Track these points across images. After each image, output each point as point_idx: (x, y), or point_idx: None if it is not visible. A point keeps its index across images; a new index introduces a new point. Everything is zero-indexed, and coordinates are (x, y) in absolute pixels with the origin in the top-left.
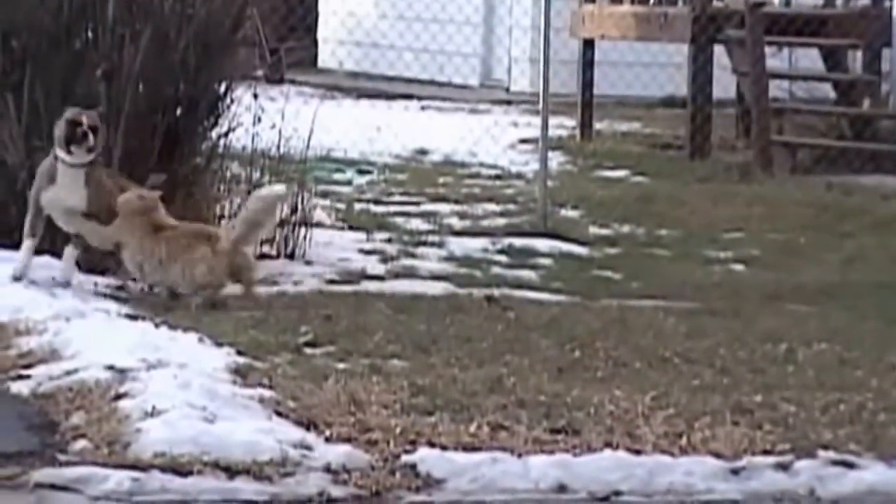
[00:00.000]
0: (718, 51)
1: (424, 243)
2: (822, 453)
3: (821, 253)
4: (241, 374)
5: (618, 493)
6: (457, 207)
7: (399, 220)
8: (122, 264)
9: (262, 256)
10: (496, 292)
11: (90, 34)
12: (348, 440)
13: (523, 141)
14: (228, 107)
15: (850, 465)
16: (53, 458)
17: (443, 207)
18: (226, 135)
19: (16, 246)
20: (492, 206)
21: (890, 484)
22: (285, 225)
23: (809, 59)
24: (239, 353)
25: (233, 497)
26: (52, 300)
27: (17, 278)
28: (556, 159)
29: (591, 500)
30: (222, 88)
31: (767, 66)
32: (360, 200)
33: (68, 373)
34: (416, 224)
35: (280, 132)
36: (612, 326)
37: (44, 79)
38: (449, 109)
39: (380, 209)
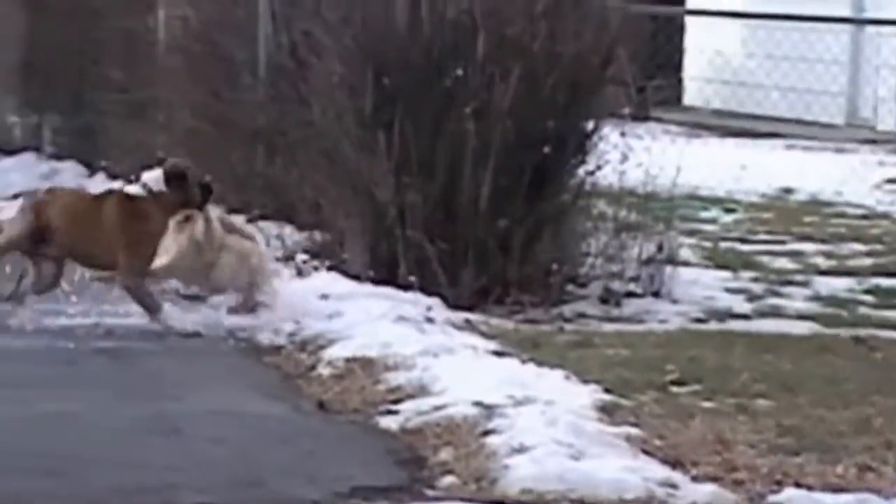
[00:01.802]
0: None
1: (790, 282)
2: None
3: None
4: (607, 412)
5: None
6: (822, 247)
7: (764, 258)
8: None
9: (629, 294)
10: (863, 333)
11: (460, 72)
12: (714, 479)
13: (890, 181)
14: (596, 144)
15: None
16: (422, 493)
17: (808, 247)
18: (593, 172)
19: (386, 282)
20: (858, 246)
21: None
22: (651, 263)
23: None
24: (605, 390)
25: None
26: (420, 336)
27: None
28: None
29: None
30: (590, 126)
31: None
32: (725, 239)
33: (436, 408)
34: (782, 263)
35: (647, 170)
36: None
37: (414, 116)
38: (814, 148)
39: (745, 248)
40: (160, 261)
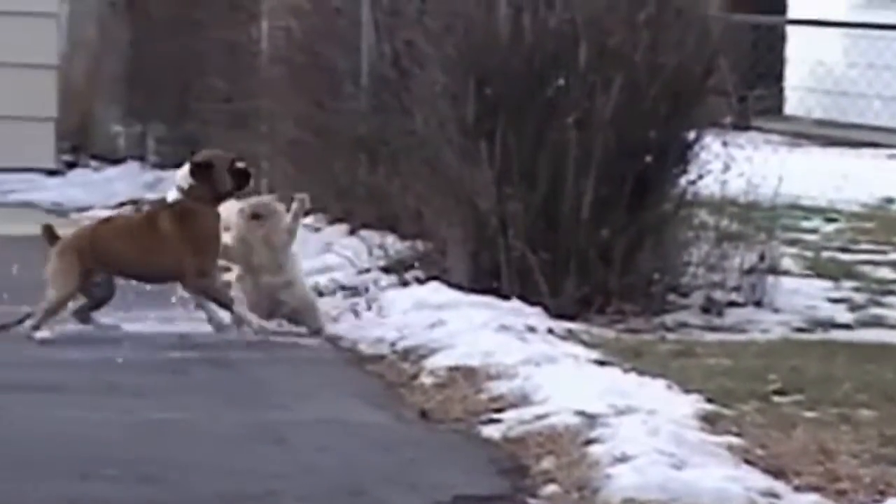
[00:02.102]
0: None
1: (892, 292)
2: None
3: None
4: (709, 422)
5: None
6: None
7: (866, 268)
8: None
9: (731, 304)
10: None
11: (562, 82)
12: (817, 489)
13: None
14: (697, 154)
15: None
16: (524, 502)
17: None
18: (694, 182)
19: (488, 291)
20: None
21: None
22: (753, 272)
23: None
24: (707, 400)
25: None
26: (522, 345)
27: None
28: None
29: None
30: (692, 136)
31: None
32: (827, 248)
33: (538, 417)
34: (884, 273)
35: (748, 180)
36: None
37: (516, 126)
38: None
39: (847, 257)
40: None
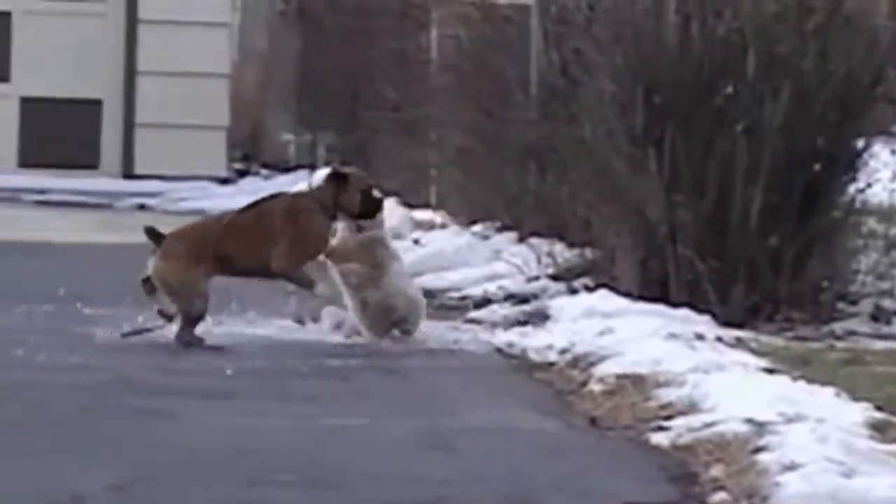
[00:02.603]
0: None
1: None
2: None
3: None
4: (878, 430)
5: None
6: None
7: None
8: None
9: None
10: None
11: (730, 90)
12: None
13: None
14: (866, 162)
15: None
16: None
17: None
18: (863, 190)
19: (657, 299)
20: None
21: None
22: None
23: None
24: (876, 408)
25: None
26: (691, 353)
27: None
28: None
29: None
30: (860, 144)
31: None
32: None
33: (707, 425)
34: None
35: None
36: None
37: (684, 134)
38: None
39: None
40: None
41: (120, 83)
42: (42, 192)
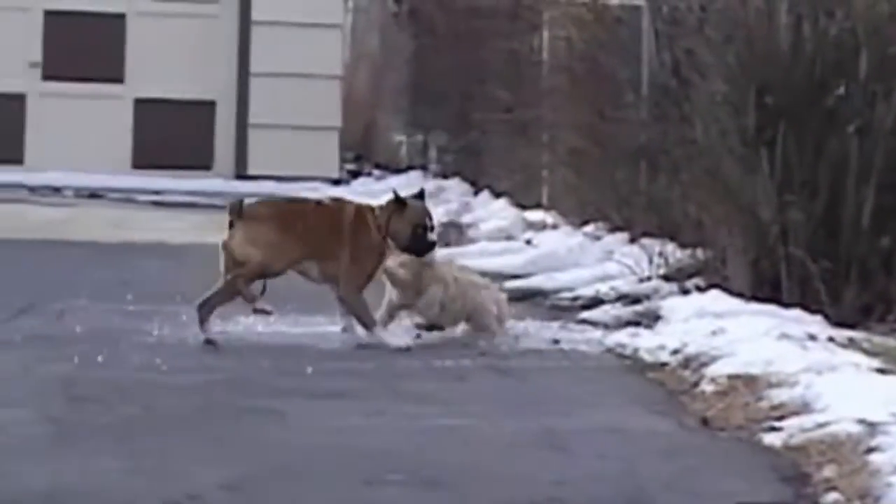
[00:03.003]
0: None
1: None
2: None
3: None
4: None
5: None
6: None
7: None
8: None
9: None
10: None
11: (842, 91)
12: None
13: None
14: None
15: None
16: None
17: None
18: None
19: (768, 299)
20: None
21: None
22: None
23: None
24: None
25: None
26: (803, 353)
27: None
28: None
29: None
30: None
31: None
32: None
33: (820, 425)
34: None
35: None
36: None
37: (796, 135)
38: None
39: None
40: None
41: (233, 84)
42: (156, 192)
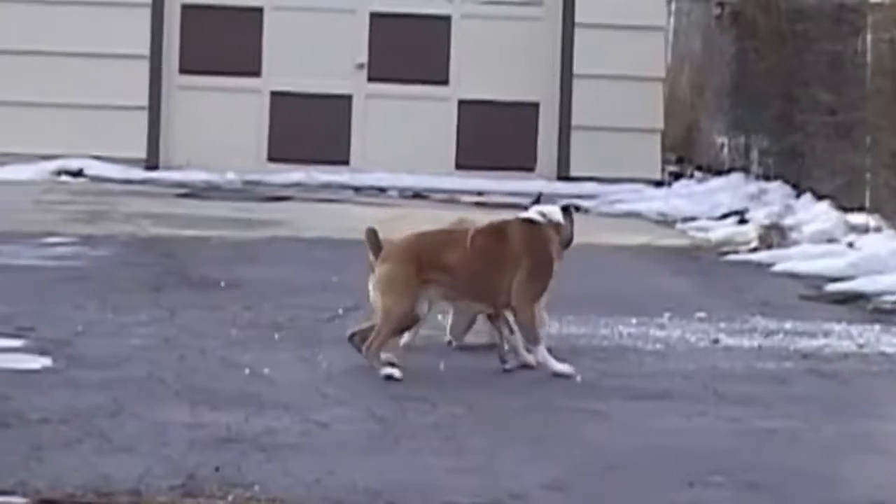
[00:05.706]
0: None
1: None
2: None
3: None
4: None
5: None
6: None
7: None
8: None
9: None
10: None
11: None
12: None
13: None
14: None
15: None
16: None
17: None
18: None
19: None
20: None
21: None
22: None
23: None
24: None
25: None
26: None
27: None
28: None
29: None
30: None
31: None
32: None
33: None
34: None
35: None
36: None
37: None
38: None
39: None
40: None
41: (556, 86)
42: (478, 193)
